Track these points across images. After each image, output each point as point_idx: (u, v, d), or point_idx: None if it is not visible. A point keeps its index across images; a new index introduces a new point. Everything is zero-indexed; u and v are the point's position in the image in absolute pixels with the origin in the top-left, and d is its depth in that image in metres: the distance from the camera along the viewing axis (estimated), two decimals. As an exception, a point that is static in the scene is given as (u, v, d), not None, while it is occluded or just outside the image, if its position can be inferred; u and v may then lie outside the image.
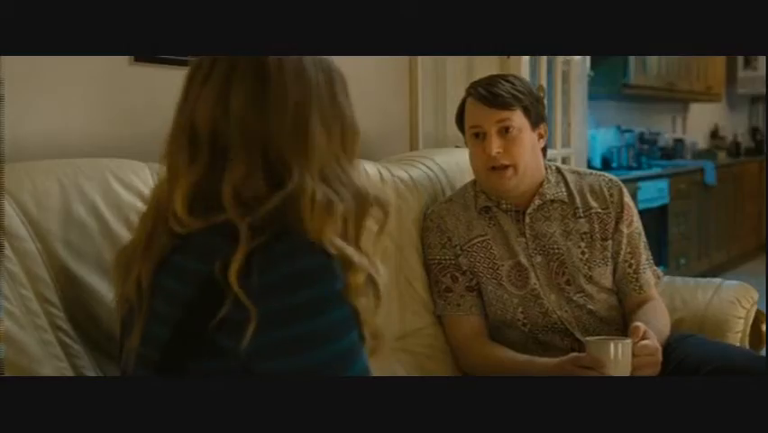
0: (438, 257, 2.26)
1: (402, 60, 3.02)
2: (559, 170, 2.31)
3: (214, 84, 1.22)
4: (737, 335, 2.39)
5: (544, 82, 3.51)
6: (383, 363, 2.14)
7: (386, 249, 2.28)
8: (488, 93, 2.16)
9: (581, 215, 2.22)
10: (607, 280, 2.23)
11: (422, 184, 2.44)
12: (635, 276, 2.23)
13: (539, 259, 2.20)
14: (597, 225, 2.22)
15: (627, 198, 2.28)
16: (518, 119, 2.16)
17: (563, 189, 2.25)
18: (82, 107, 1.95)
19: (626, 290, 2.24)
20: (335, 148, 1.26)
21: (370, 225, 1.27)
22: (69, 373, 1.46)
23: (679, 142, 7.48)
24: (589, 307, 2.19)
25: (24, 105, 1.77)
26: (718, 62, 7.70)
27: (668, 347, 2.03)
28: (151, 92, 2.04)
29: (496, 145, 2.13)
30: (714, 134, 8.34)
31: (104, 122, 1.99)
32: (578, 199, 2.24)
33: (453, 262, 2.24)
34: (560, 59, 3.68)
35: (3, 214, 1.46)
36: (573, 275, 2.19)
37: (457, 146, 3.14)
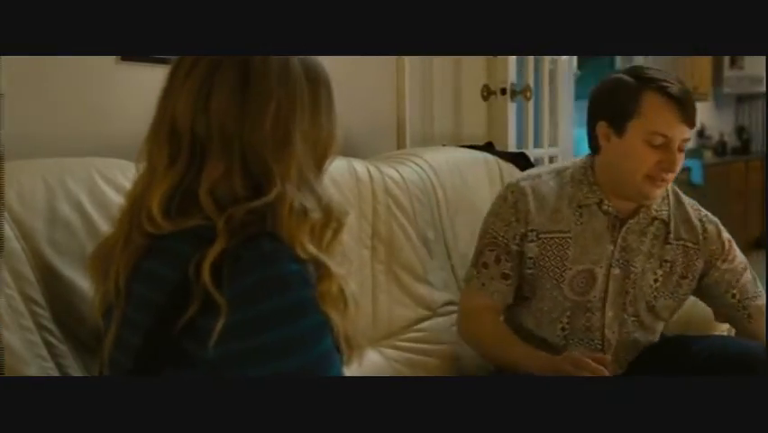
0: (497, 232, 2.12)
1: (389, 59, 3.01)
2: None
3: (195, 80, 1.21)
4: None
5: (531, 81, 3.51)
6: (375, 363, 2.15)
7: (375, 248, 2.28)
8: (689, 107, 2.00)
9: (671, 241, 2.11)
10: (668, 314, 2.16)
11: (412, 182, 2.44)
12: (741, 303, 2.13)
13: (617, 272, 2.08)
14: (680, 258, 2.12)
15: (725, 234, 2.18)
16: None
17: (666, 208, 2.13)
18: (68, 106, 1.94)
19: (737, 319, 2.16)
20: (311, 157, 1.26)
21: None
22: (55, 373, 1.46)
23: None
24: (636, 334, 2.12)
25: (10, 104, 1.76)
26: (705, 62, 7.72)
27: (662, 349, 2.04)
28: (138, 91, 2.02)
29: (679, 161, 1.99)
30: (700, 134, 8.35)
31: (90, 121, 1.98)
32: (672, 223, 2.12)
33: (507, 243, 2.10)
34: (547, 58, 3.69)
35: (3, 213, 1.45)
36: (637, 298, 2.10)
37: (444, 144, 3.15)
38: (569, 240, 2.08)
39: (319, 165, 1.29)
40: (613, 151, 2.06)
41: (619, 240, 2.08)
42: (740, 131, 8.95)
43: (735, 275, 2.14)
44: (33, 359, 1.43)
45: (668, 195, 2.14)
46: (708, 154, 7.72)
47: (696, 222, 2.15)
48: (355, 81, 2.80)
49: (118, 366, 1.26)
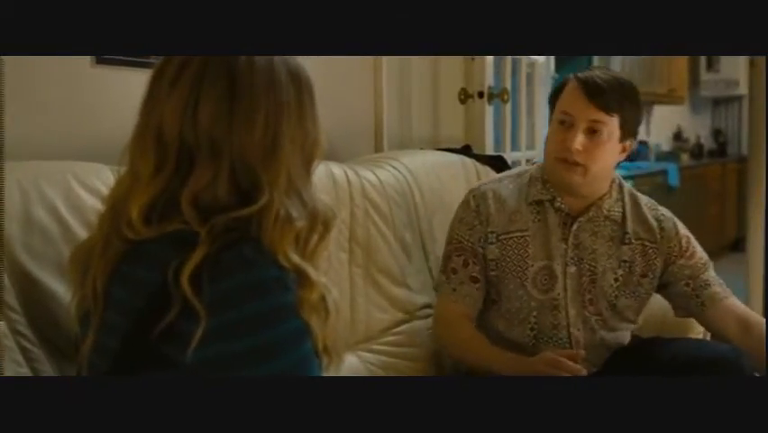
0: (462, 236, 2.17)
1: (367, 60, 3.01)
2: (621, 187, 2.21)
3: (182, 89, 1.21)
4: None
5: (508, 84, 3.52)
6: (352, 366, 2.14)
7: (353, 251, 2.28)
8: (595, 85, 2.03)
9: (627, 241, 2.14)
10: (631, 313, 2.18)
11: (390, 185, 2.45)
12: (695, 293, 2.16)
13: (573, 270, 2.12)
14: (639, 258, 2.15)
15: (684, 230, 2.22)
16: (612, 126, 2.04)
17: (620, 209, 2.17)
18: (43, 109, 1.93)
19: (692, 309, 2.18)
20: (300, 160, 1.26)
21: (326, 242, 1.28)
22: (30, 378, 1.45)
23: (642, 144, 7.53)
24: (602, 333, 2.14)
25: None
26: (681, 65, 7.77)
27: (635, 351, 2.04)
28: (114, 94, 2.02)
29: (579, 141, 2.03)
30: (677, 136, 8.41)
31: (65, 124, 1.97)
32: (629, 224, 2.16)
33: (473, 246, 2.15)
34: (524, 61, 3.70)
35: (3, 212, 1.44)
36: (597, 298, 2.13)
37: (422, 147, 3.15)
38: (527, 238, 2.13)
39: (307, 168, 1.29)
40: (546, 136, 2.17)
41: (571, 237, 2.12)
42: (717, 134, 9.01)
43: (694, 271, 2.17)
44: (8, 364, 1.42)
45: (623, 196, 2.18)
46: (685, 157, 7.77)
47: (653, 221, 2.18)
48: (333, 84, 2.79)
49: (96, 370, 1.25)
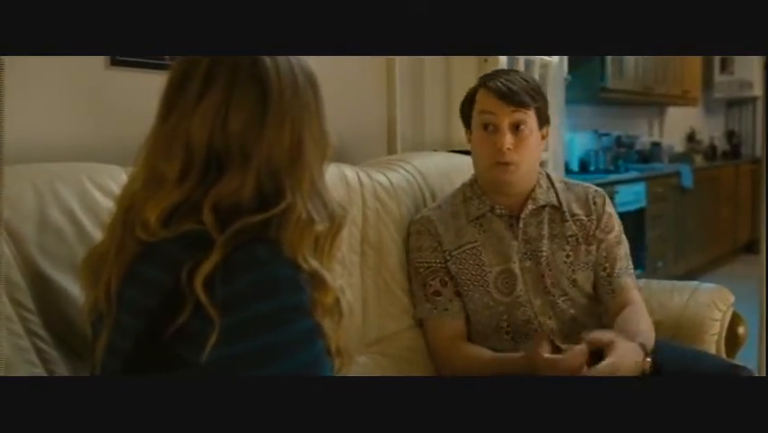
0: (429, 260, 2.25)
1: (380, 62, 3.02)
2: (548, 177, 2.33)
3: (214, 96, 1.21)
4: (713, 337, 2.40)
5: (521, 86, 3.51)
6: (362, 369, 2.14)
7: (365, 253, 2.28)
8: (507, 89, 2.16)
9: (568, 218, 2.24)
10: (589, 285, 2.24)
11: (402, 188, 2.44)
12: (608, 279, 2.23)
13: (528, 263, 2.20)
14: (580, 232, 2.24)
15: (609, 207, 2.30)
16: (531, 119, 2.18)
17: (554, 195, 2.27)
18: (57, 111, 1.94)
19: (602, 293, 2.24)
20: (319, 163, 1.28)
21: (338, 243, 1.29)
22: (45, 379, 1.45)
23: (656, 145, 7.52)
24: (572, 312, 2.20)
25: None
26: (695, 66, 7.74)
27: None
28: (128, 96, 2.03)
29: (508, 141, 2.14)
30: (690, 138, 8.38)
31: (80, 126, 1.98)
32: (565, 205, 2.26)
33: (443, 265, 2.23)
34: (538, 62, 3.69)
35: (2, 215, 1.44)
36: (558, 278, 2.20)
37: (435, 150, 3.15)
38: (479, 248, 2.22)
39: (323, 168, 1.30)
40: (471, 147, 2.28)
41: (520, 234, 2.22)
42: (730, 135, 8.98)
43: (607, 247, 2.26)
44: (23, 365, 1.43)
45: (553, 185, 2.29)
46: (699, 158, 7.74)
47: (586, 198, 2.29)
48: (346, 87, 2.80)
49: (109, 371, 1.26)
